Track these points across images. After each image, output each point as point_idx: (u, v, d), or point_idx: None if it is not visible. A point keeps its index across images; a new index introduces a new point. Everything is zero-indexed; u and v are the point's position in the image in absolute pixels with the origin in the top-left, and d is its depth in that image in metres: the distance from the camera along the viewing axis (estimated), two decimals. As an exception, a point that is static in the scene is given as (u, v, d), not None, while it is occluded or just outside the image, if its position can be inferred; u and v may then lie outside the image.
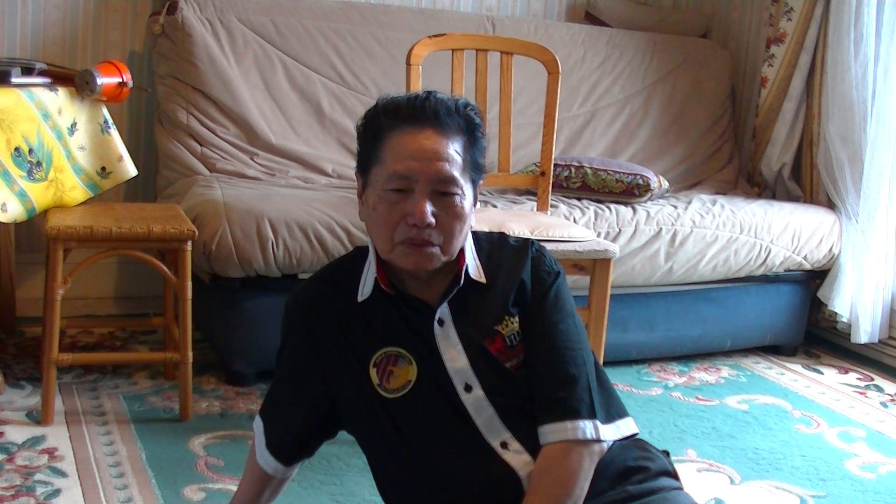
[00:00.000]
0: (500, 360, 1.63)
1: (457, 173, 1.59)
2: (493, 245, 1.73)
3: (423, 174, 1.57)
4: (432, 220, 1.57)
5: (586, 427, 1.58)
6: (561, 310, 1.67)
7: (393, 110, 1.61)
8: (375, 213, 1.60)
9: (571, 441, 1.56)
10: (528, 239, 1.76)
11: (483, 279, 1.67)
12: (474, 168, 1.64)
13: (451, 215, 1.59)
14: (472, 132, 1.63)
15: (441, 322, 1.63)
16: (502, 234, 1.78)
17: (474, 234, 1.72)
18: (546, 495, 1.53)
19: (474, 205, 1.66)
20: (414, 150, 1.57)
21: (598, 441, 1.58)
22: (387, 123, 1.60)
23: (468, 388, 1.61)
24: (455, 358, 1.62)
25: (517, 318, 1.65)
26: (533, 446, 1.60)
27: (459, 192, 1.59)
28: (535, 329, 1.65)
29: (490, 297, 1.66)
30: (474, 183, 1.64)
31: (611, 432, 1.61)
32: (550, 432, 1.58)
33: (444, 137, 1.59)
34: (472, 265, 1.67)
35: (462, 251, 1.65)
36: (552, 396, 1.60)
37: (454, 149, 1.59)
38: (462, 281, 1.64)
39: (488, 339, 1.63)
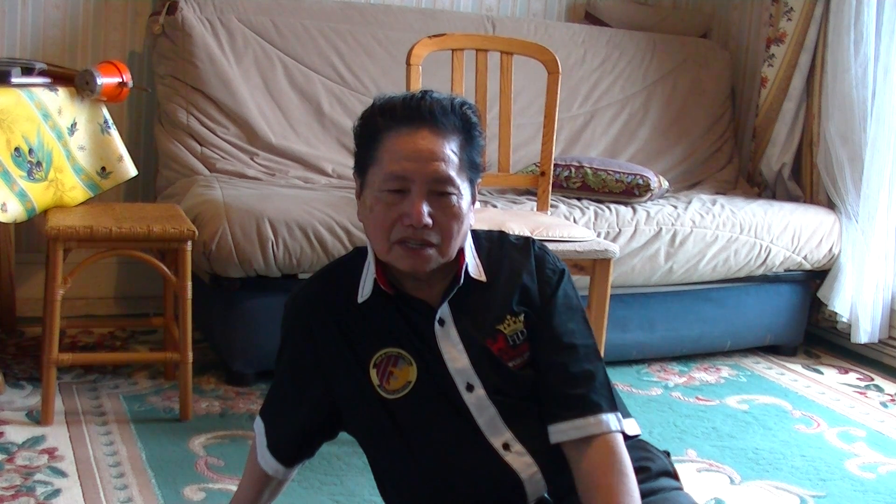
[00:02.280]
0: (502, 359, 1.63)
1: (453, 173, 1.58)
2: (492, 243, 1.72)
3: (419, 175, 1.56)
4: (429, 220, 1.56)
5: (609, 420, 1.58)
6: (570, 308, 1.67)
7: (389, 110, 1.60)
8: (372, 213, 1.60)
9: (598, 434, 1.57)
10: (529, 238, 1.76)
11: (483, 278, 1.66)
12: (471, 167, 1.63)
13: (448, 215, 1.58)
14: (468, 131, 1.63)
15: (441, 322, 1.63)
16: (502, 232, 1.77)
17: (473, 232, 1.72)
18: (625, 491, 1.52)
19: (473, 204, 1.65)
20: (410, 151, 1.57)
21: (622, 432, 1.59)
22: (383, 124, 1.60)
23: (470, 388, 1.61)
24: (456, 358, 1.62)
25: (522, 318, 1.65)
26: (535, 447, 1.60)
27: (456, 192, 1.59)
28: (545, 329, 1.64)
29: (491, 296, 1.66)
30: (472, 182, 1.64)
31: (630, 427, 1.63)
32: (573, 428, 1.58)
33: (441, 137, 1.58)
34: (472, 264, 1.67)
35: (462, 250, 1.65)
36: (570, 393, 1.60)
37: (450, 148, 1.59)
38: (462, 280, 1.64)
39: (490, 338, 1.63)
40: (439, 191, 1.57)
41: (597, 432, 1.57)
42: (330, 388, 1.69)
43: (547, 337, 1.64)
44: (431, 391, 1.62)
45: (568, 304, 1.67)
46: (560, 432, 1.59)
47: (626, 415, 1.66)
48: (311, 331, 1.69)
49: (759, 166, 4.09)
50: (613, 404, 1.61)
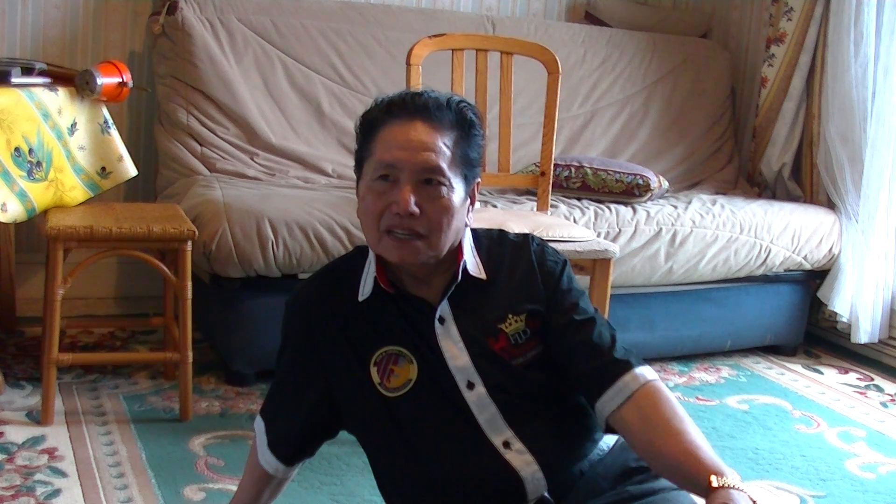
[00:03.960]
0: (503, 357, 1.63)
1: (444, 164, 1.59)
2: (492, 241, 1.73)
3: (408, 163, 1.57)
4: (416, 209, 1.57)
5: (644, 372, 1.60)
6: (576, 291, 1.70)
7: (386, 106, 1.62)
8: (364, 203, 1.62)
9: (643, 385, 1.57)
10: (527, 234, 1.76)
11: (483, 276, 1.67)
12: (466, 163, 1.63)
13: (437, 207, 1.58)
14: (464, 127, 1.63)
15: (442, 320, 1.63)
16: (501, 230, 1.78)
17: (473, 231, 1.72)
18: (680, 424, 1.52)
19: (471, 203, 1.66)
20: (402, 141, 1.58)
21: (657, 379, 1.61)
22: (380, 118, 1.62)
23: (470, 386, 1.61)
24: (457, 355, 1.62)
25: (524, 317, 1.65)
26: (535, 446, 1.60)
27: (446, 183, 1.59)
28: (558, 315, 1.65)
29: (492, 295, 1.66)
30: (467, 179, 1.64)
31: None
32: (616, 393, 1.57)
33: (434, 130, 1.59)
34: (471, 262, 1.67)
35: (460, 248, 1.65)
36: (600, 363, 1.60)
37: (443, 141, 1.60)
38: (460, 278, 1.64)
39: (491, 337, 1.63)
40: (428, 180, 1.58)
41: (636, 387, 1.58)
42: (330, 386, 1.69)
43: (562, 322, 1.65)
44: (432, 389, 1.62)
45: (572, 286, 1.70)
46: (607, 402, 1.59)
47: None
48: (312, 329, 1.69)
49: (759, 166, 4.09)
50: (640, 358, 1.63)
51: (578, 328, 1.64)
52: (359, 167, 1.66)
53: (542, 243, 1.74)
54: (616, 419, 1.58)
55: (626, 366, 1.60)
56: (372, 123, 1.62)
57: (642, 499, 1.58)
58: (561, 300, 1.66)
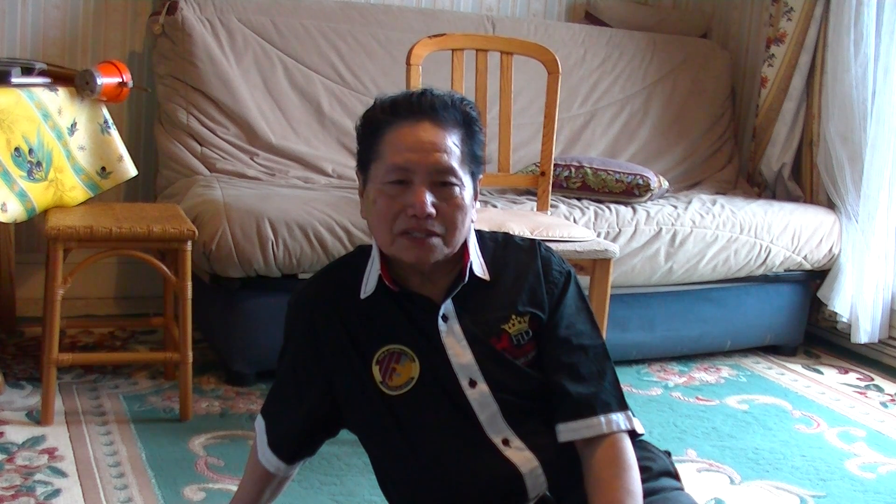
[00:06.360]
0: (507, 357, 1.63)
1: (455, 164, 1.60)
2: (497, 244, 1.74)
3: (421, 165, 1.58)
4: (432, 210, 1.57)
5: (619, 419, 1.60)
6: (578, 309, 1.69)
7: (390, 107, 1.62)
8: (375, 206, 1.62)
9: (607, 434, 1.58)
10: (534, 239, 1.77)
11: (487, 276, 1.67)
12: (473, 160, 1.65)
13: (451, 206, 1.59)
14: (469, 125, 1.64)
15: (445, 318, 1.63)
16: (507, 233, 1.79)
17: (478, 232, 1.73)
18: (620, 486, 1.54)
19: (475, 199, 1.67)
20: (412, 143, 1.58)
21: (632, 431, 1.61)
22: (384, 119, 1.62)
23: (472, 384, 1.62)
24: (460, 354, 1.62)
25: (527, 319, 1.65)
26: (534, 444, 1.61)
27: (458, 182, 1.60)
28: (554, 331, 1.66)
29: (495, 295, 1.67)
30: (474, 176, 1.65)
31: (639, 425, 1.64)
32: (585, 427, 1.59)
33: (442, 129, 1.60)
34: (477, 262, 1.68)
35: (466, 247, 1.66)
36: (581, 393, 1.61)
37: (452, 141, 1.61)
38: (467, 278, 1.65)
39: (494, 337, 1.64)
40: (442, 181, 1.59)
41: (607, 431, 1.59)
42: (332, 385, 1.70)
43: (556, 339, 1.65)
44: (434, 387, 1.63)
45: (576, 305, 1.69)
46: (571, 431, 1.60)
47: (633, 413, 1.67)
48: (314, 328, 1.69)
49: (759, 166, 4.09)
50: (623, 403, 1.63)
51: (570, 351, 1.64)
52: (363, 168, 1.66)
53: (549, 250, 1.74)
54: (578, 448, 1.61)
55: (606, 407, 1.60)
56: (377, 125, 1.62)
57: (643, 499, 1.59)
58: (561, 317, 1.66)
